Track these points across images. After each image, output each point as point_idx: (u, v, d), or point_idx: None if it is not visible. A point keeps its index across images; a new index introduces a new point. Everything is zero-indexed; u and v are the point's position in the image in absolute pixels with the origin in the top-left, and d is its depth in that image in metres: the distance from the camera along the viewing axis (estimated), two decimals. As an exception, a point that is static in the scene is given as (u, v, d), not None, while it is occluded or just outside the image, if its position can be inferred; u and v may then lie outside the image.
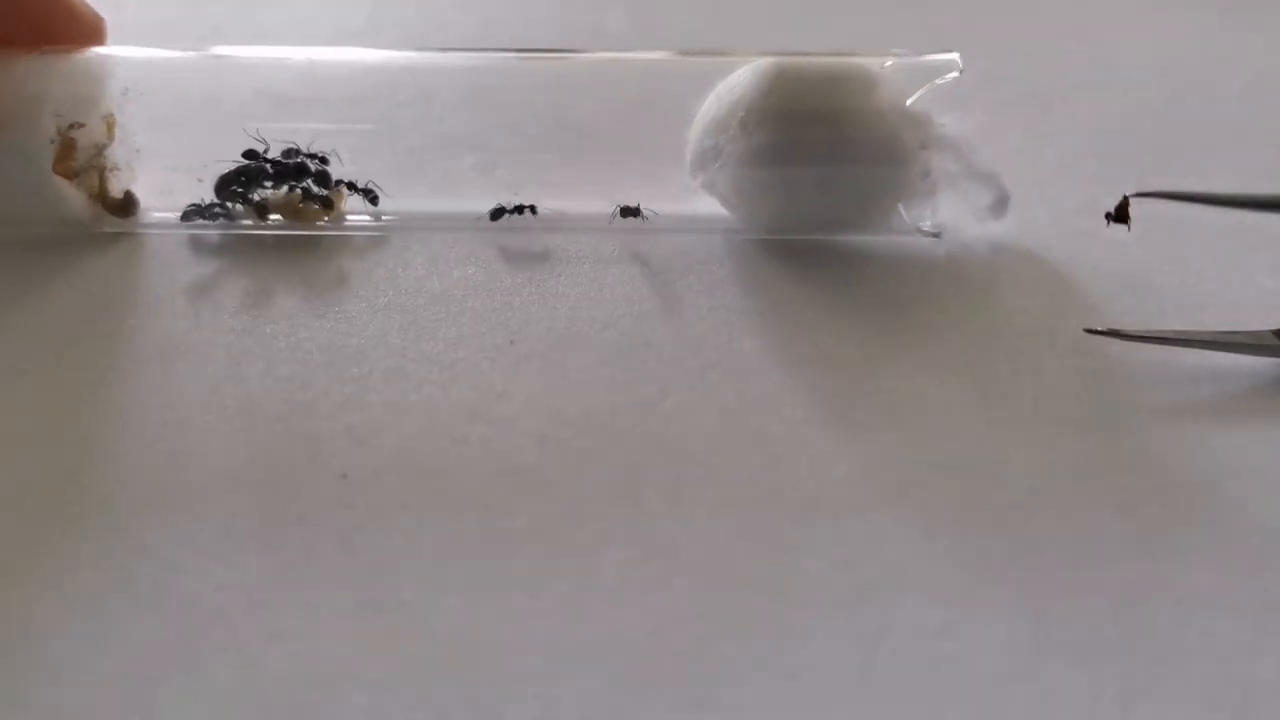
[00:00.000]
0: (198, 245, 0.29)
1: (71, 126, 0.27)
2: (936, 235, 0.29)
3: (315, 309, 0.26)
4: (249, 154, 0.28)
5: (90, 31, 0.29)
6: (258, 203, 0.29)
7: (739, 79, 0.28)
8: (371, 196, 0.29)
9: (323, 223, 0.29)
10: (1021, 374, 0.24)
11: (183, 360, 0.24)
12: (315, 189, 0.29)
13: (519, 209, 0.29)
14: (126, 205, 0.29)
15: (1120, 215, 0.28)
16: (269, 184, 0.28)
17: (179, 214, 0.29)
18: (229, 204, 0.29)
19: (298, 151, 0.28)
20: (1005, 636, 0.18)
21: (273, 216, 0.29)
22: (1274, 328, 0.25)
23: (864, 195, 0.28)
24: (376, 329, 0.26)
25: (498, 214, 0.29)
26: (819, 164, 0.27)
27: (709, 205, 0.29)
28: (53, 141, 0.27)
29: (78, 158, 0.27)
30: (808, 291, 0.27)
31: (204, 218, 0.29)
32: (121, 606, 0.19)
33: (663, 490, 0.21)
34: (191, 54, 0.30)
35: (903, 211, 0.28)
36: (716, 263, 0.28)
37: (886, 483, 0.21)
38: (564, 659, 0.18)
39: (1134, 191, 0.28)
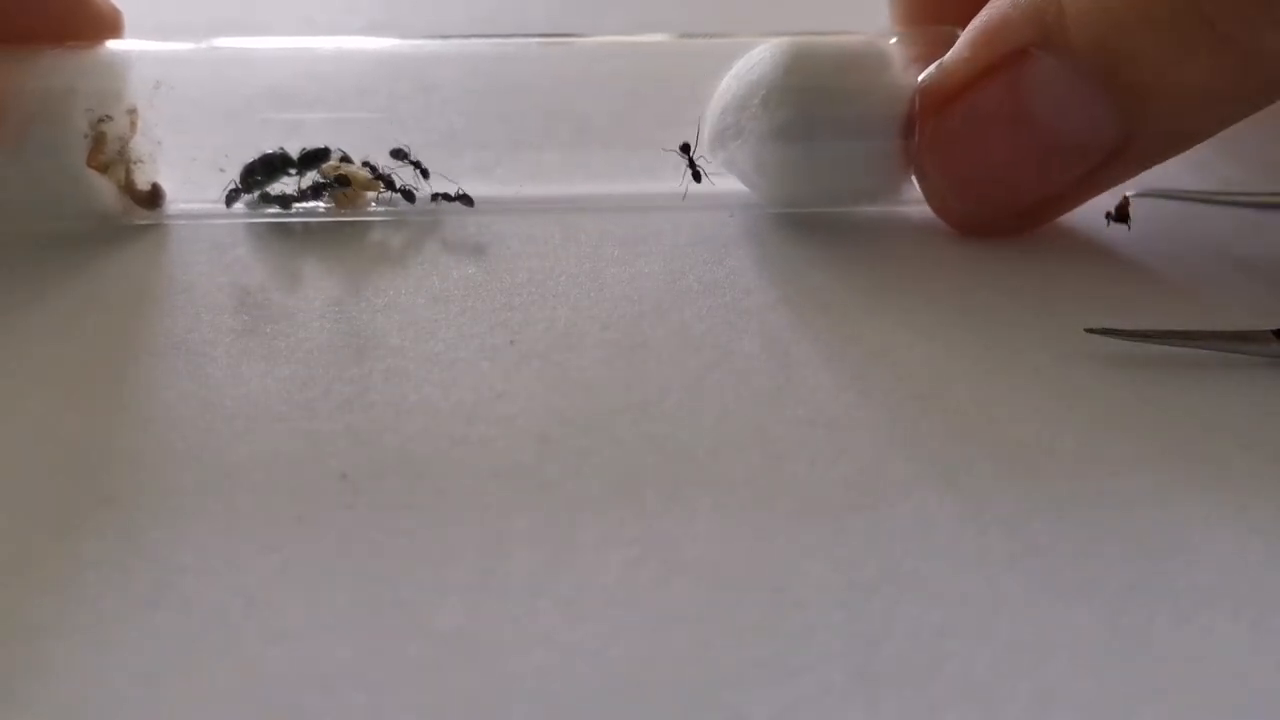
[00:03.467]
0: (209, 243, 0.29)
1: (101, 120, 0.27)
2: None
3: (315, 309, 0.26)
4: (396, 152, 0.29)
5: (109, 25, 0.29)
6: (300, 191, 0.29)
7: (758, 58, 0.28)
8: (465, 199, 0.29)
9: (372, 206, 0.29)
10: (1021, 373, 0.24)
11: (183, 360, 0.24)
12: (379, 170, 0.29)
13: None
14: (154, 197, 0.29)
15: (1120, 215, 0.28)
16: (292, 172, 0.29)
17: (222, 197, 0.29)
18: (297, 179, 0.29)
19: (404, 154, 0.29)
20: (1005, 636, 0.18)
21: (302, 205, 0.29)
22: (1274, 328, 0.25)
23: (879, 168, 0.29)
24: (376, 329, 0.26)
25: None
26: (838, 139, 0.28)
27: (709, 189, 0.29)
28: (86, 137, 0.27)
29: (106, 151, 0.28)
30: (806, 290, 0.27)
31: (246, 198, 0.29)
32: (121, 606, 0.19)
33: (663, 490, 0.21)
34: (215, 47, 0.30)
35: (915, 182, 0.29)
36: (716, 262, 0.28)
37: (887, 482, 0.21)
38: (564, 659, 0.18)
39: (1134, 191, 0.28)
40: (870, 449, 0.22)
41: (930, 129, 0.28)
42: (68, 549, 0.20)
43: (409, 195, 0.29)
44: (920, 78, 0.28)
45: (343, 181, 0.29)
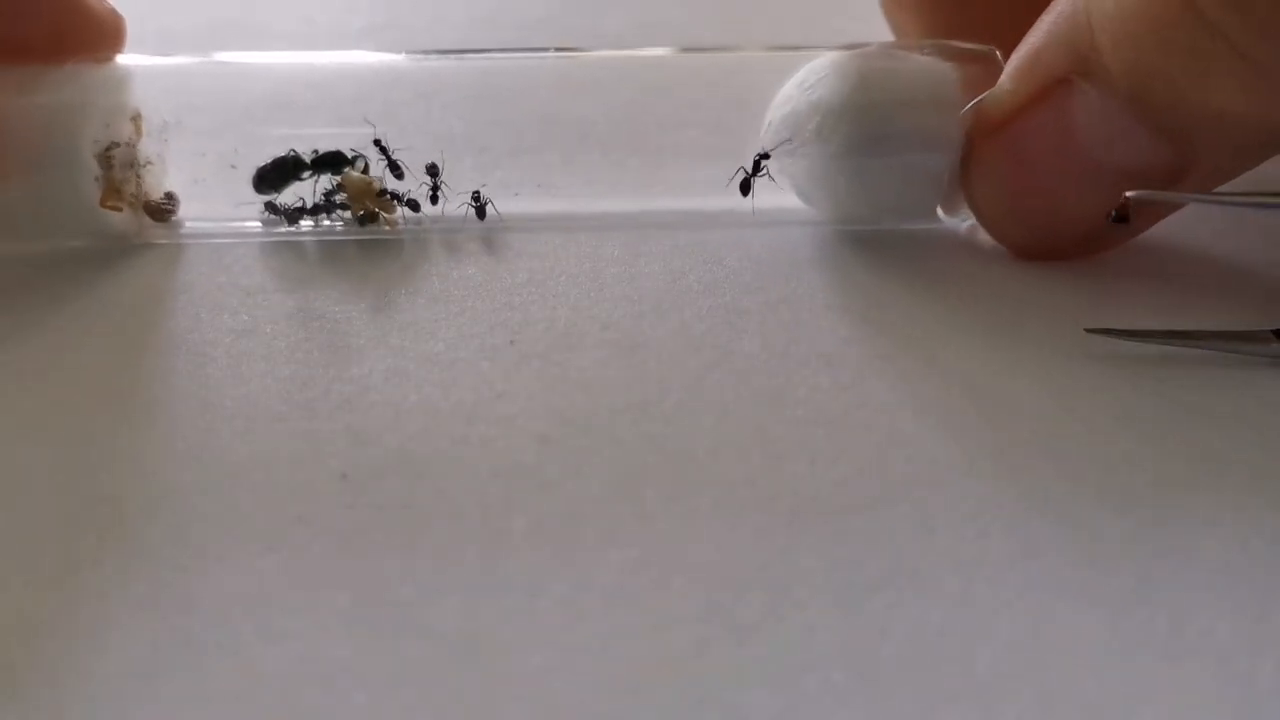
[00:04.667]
0: (210, 244, 0.29)
1: (109, 149, 0.27)
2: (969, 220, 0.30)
3: (315, 309, 0.26)
4: (431, 168, 0.29)
5: (110, 32, 0.28)
6: (327, 203, 0.29)
7: (818, 75, 0.28)
8: (479, 209, 0.29)
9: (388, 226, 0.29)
10: (1020, 374, 0.24)
11: (183, 360, 0.24)
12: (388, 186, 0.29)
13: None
14: (167, 208, 0.29)
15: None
16: (305, 176, 0.28)
17: (260, 215, 0.29)
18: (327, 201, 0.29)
19: (437, 169, 0.29)
20: (1006, 636, 0.18)
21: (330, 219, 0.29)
22: (1274, 328, 0.25)
23: (938, 187, 0.28)
24: (376, 329, 0.26)
25: None
26: (899, 157, 0.28)
27: (710, 203, 0.29)
28: (97, 179, 0.27)
29: (116, 173, 0.27)
30: (805, 290, 0.27)
31: (281, 217, 0.29)
32: (121, 606, 0.19)
33: (663, 490, 0.21)
34: (218, 61, 0.30)
35: (939, 211, 0.29)
36: (716, 261, 0.28)
37: (886, 482, 0.21)
38: (564, 659, 0.18)
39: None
40: (870, 449, 0.22)
41: (980, 159, 0.27)
42: (68, 549, 0.20)
43: (414, 205, 0.29)
44: (968, 106, 0.28)
45: (368, 218, 0.29)
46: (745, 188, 0.29)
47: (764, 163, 0.29)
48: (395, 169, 0.29)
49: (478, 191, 0.29)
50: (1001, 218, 0.28)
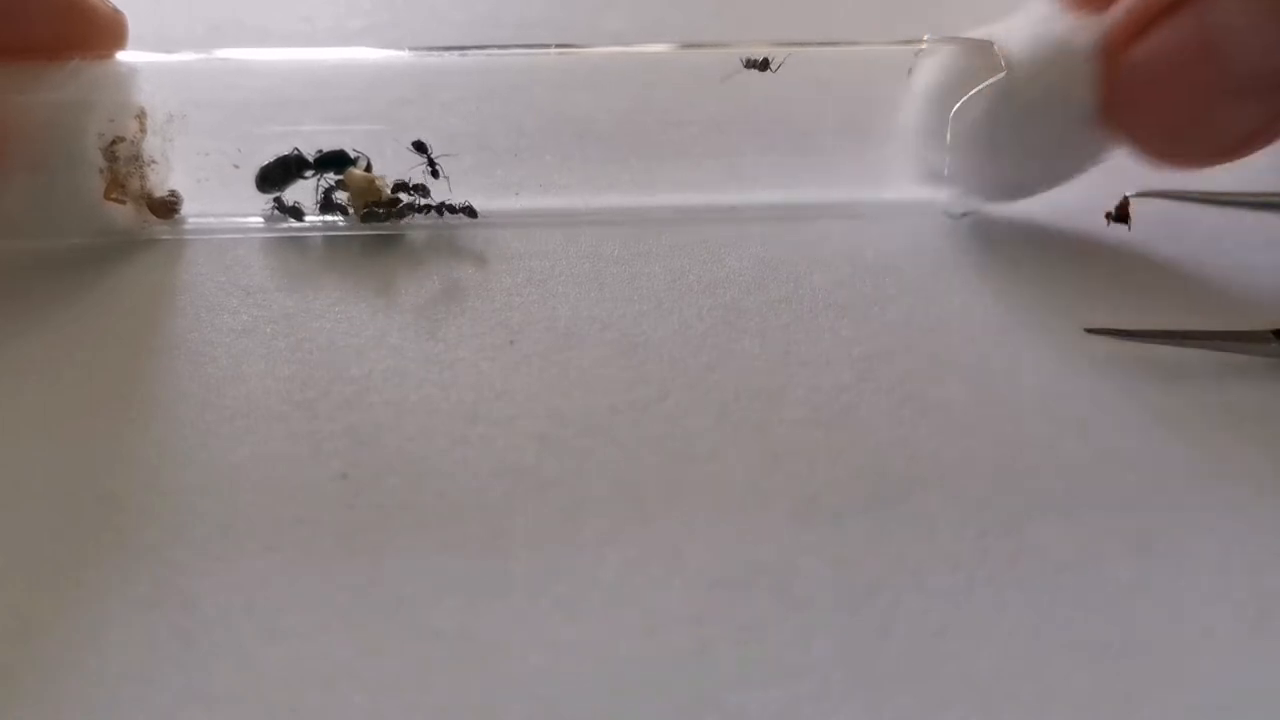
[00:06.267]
0: (210, 243, 0.29)
1: (114, 143, 0.27)
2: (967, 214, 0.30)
3: (315, 309, 0.26)
4: (418, 145, 0.28)
5: (112, 31, 0.28)
6: (331, 200, 0.29)
7: (952, 63, 0.28)
8: (470, 211, 0.29)
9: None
10: (1021, 373, 0.24)
11: (183, 360, 0.24)
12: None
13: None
14: (170, 206, 0.28)
15: (1120, 215, 0.28)
16: (308, 174, 0.28)
17: (266, 211, 0.29)
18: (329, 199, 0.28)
19: (424, 147, 0.28)
20: (1005, 637, 0.18)
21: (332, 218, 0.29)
22: (1274, 328, 0.25)
23: (1083, 141, 0.28)
24: (376, 329, 0.26)
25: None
26: (1044, 125, 0.27)
27: (709, 198, 0.29)
28: (101, 171, 0.27)
29: (120, 166, 0.27)
30: (805, 289, 0.27)
31: (287, 214, 0.29)
32: (121, 606, 0.19)
33: (663, 490, 0.21)
34: (222, 58, 0.30)
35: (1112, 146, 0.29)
36: (716, 261, 0.28)
37: (887, 482, 0.21)
38: (564, 659, 0.18)
39: (1134, 191, 0.28)
40: (870, 449, 0.22)
41: (1118, 72, 0.26)
42: (68, 549, 0.20)
43: (470, 212, 0.29)
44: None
45: (370, 215, 0.28)
46: (764, 65, 0.29)
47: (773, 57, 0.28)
48: (434, 170, 0.28)
49: (451, 204, 0.29)
50: (1144, 134, 0.27)
